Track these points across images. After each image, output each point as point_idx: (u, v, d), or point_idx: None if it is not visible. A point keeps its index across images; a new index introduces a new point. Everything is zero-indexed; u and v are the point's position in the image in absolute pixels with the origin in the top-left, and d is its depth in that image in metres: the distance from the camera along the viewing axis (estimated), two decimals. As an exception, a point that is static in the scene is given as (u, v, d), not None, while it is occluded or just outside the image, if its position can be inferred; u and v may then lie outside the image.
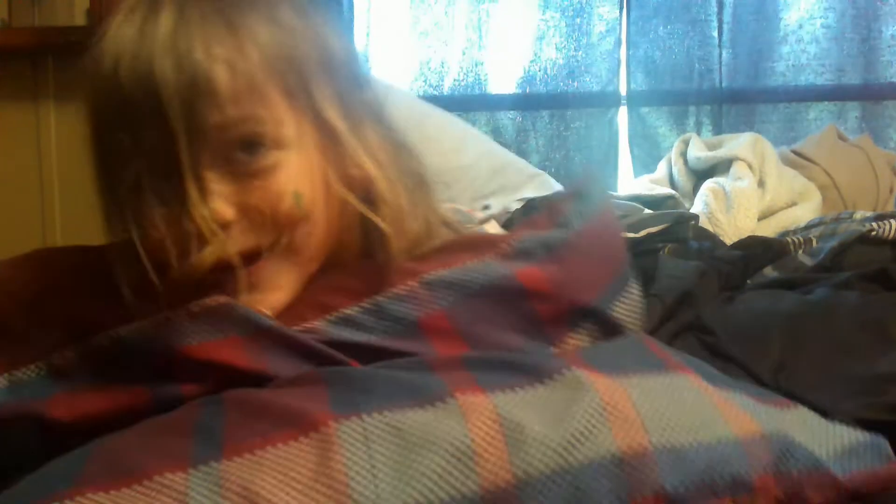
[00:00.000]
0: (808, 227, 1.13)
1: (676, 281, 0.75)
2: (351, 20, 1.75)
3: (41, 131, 1.52)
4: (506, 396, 0.44)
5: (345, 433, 0.42)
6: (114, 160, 0.55)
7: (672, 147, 1.60)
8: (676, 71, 1.81)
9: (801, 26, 1.78)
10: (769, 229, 1.30)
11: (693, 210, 1.36)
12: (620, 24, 1.81)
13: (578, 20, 1.80)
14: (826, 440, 0.47)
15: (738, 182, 1.38)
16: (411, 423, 0.42)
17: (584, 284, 0.57)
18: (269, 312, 0.54)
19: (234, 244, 0.53)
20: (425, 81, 1.79)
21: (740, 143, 1.46)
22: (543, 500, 0.40)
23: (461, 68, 1.79)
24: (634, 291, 0.61)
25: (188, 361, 0.50)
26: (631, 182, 1.71)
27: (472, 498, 0.40)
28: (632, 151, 1.83)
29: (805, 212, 1.38)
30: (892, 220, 0.95)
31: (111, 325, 0.53)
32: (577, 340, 0.56)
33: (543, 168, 1.64)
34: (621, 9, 1.81)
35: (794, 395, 0.62)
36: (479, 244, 0.58)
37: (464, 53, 1.80)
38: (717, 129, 1.79)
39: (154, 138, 0.52)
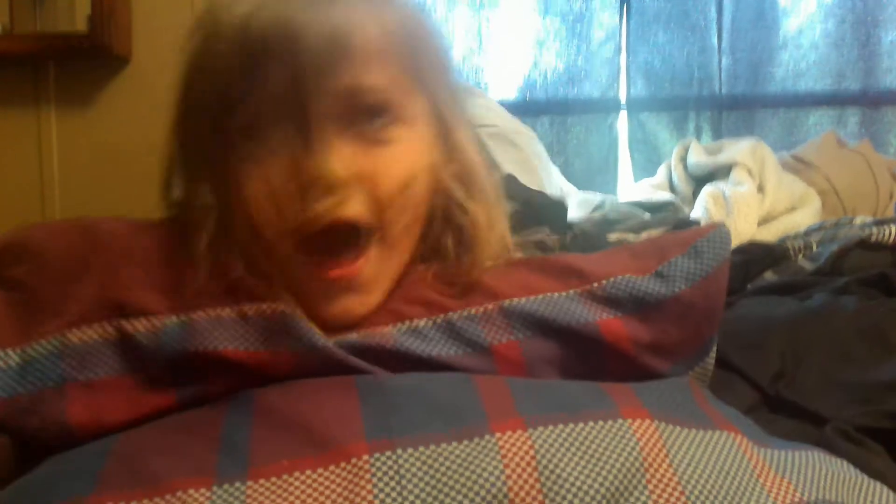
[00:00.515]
0: (809, 232, 1.13)
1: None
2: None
3: (42, 137, 1.52)
4: (546, 432, 0.42)
5: (377, 468, 0.40)
6: (223, 107, 0.52)
7: (672, 152, 1.60)
8: (676, 77, 1.81)
9: (800, 32, 1.79)
10: (769, 234, 1.30)
11: (693, 215, 1.36)
12: (620, 30, 1.81)
13: (578, 26, 1.81)
14: (865, 498, 0.45)
15: (737, 187, 1.38)
16: (446, 460, 0.40)
17: (665, 353, 0.54)
18: (360, 318, 0.52)
19: (348, 207, 0.51)
20: (426, 87, 1.79)
21: (740, 149, 1.46)
22: None
23: (461, 74, 1.80)
24: (710, 362, 0.57)
25: (228, 364, 0.48)
26: (631, 187, 1.71)
27: None
28: (632, 157, 1.83)
29: (805, 217, 1.37)
30: (892, 226, 0.95)
31: (148, 309, 0.49)
32: None
33: (543, 174, 1.64)
34: (621, 15, 1.81)
35: (795, 404, 0.62)
36: (566, 273, 0.55)
37: (464, 60, 1.80)
38: (717, 135, 1.79)
39: (280, 87, 0.50)
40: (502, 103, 1.81)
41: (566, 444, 0.42)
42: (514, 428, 0.42)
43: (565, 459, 0.41)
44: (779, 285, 0.89)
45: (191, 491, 0.39)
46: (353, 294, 0.52)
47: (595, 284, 0.54)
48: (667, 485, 0.41)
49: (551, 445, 0.42)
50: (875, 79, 1.77)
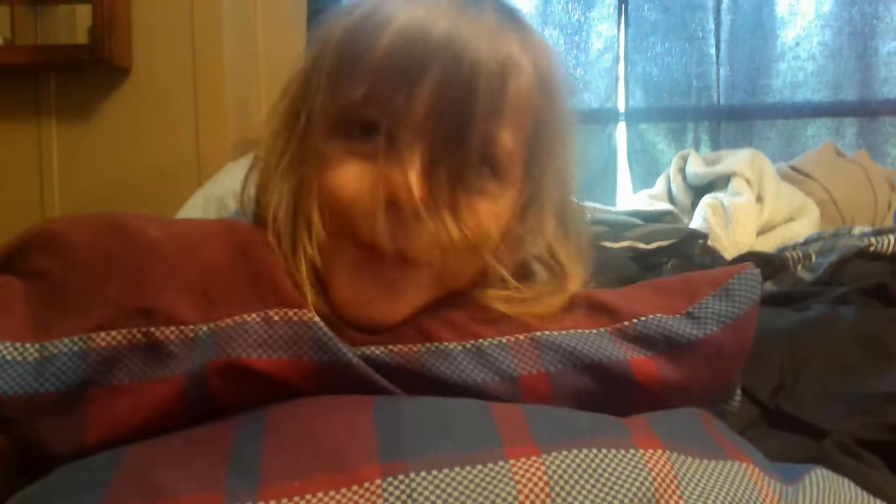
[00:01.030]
0: (807, 242, 1.13)
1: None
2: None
3: (43, 148, 1.53)
4: (560, 458, 0.42)
5: (389, 492, 0.39)
6: (343, 103, 0.51)
7: (670, 163, 1.61)
8: (674, 87, 1.81)
9: (797, 43, 1.79)
10: (768, 244, 1.31)
11: (692, 226, 1.37)
12: (618, 41, 1.82)
13: (577, 37, 1.82)
14: None
15: (736, 197, 1.38)
16: (459, 485, 0.40)
17: (692, 395, 0.53)
18: (383, 322, 0.51)
19: (415, 245, 0.50)
20: (425, 98, 1.80)
21: (738, 159, 1.47)
22: None
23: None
24: (736, 402, 0.57)
25: (249, 372, 0.47)
26: (630, 197, 1.71)
27: None
28: (630, 167, 1.84)
29: (803, 227, 1.38)
30: (890, 236, 0.96)
31: (179, 317, 0.48)
32: None
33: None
34: (619, 26, 1.82)
35: (794, 417, 0.62)
36: (596, 309, 0.54)
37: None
38: (716, 145, 1.80)
39: (421, 105, 0.49)
40: (501, 114, 1.81)
41: (579, 472, 0.42)
42: (528, 455, 0.42)
43: (577, 487, 0.41)
44: (777, 296, 0.89)
45: None
46: (386, 297, 0.51)
47: (626, 323, 0.53)
48: None
49: (564, 472, 0.41)
50: (872, 89, 1.78)
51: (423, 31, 0.50)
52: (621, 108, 1.83)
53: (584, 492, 0.41)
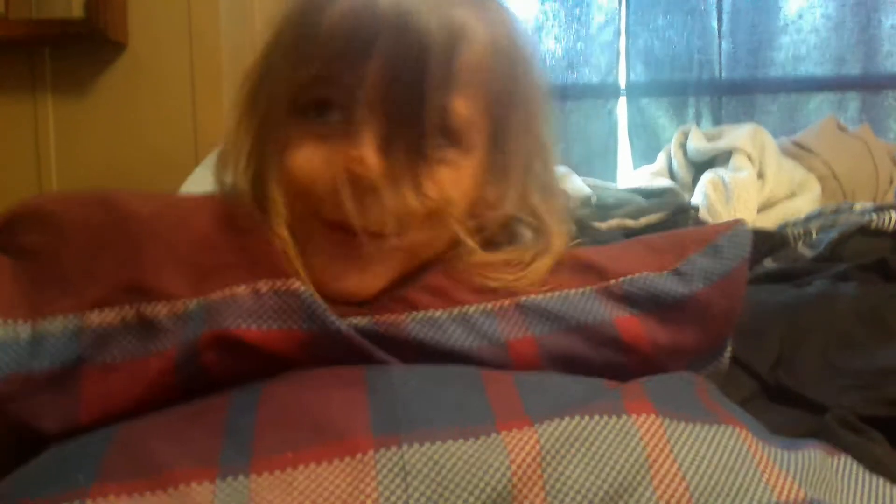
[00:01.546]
0: (808, 218, 1.13)
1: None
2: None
3: (39, 123, 1.52)
4: (552, 427, 0.42)
5: (382, 465, 0.40)
6: (307, 79, 0.51)
7: (671, 138, 1.60)
8: (676, 61, 1.80)
9: (800, 16, 1.78)
10: (769, 220, 1.30)
11: (693, 202, 1.36)
12: (619, 14, 1.80)
13: (577, 11, 1.80)
14: (870, 498, 0.45)
15: (737, 173, 1.38)
16: (452, 457, 0.40)
17: (682, 352, 0.53)
18: (357, 295, 0.52)
19: (377, 216, 0.50)
20: (424, 73, 1.78)
21: (740, 135, 1.46)
22: None
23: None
24: (725, 361, 0.57)
25: (240, 344, 0.47)
26: (630, 173, 1.71)
27: None
28: (631, 143, 1.83)
29: (805, 203, 1.37)
30: (891, 212, 0.95)
31: (170, 292, 0.48)
32: None
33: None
34: (620, -1, 1.80)
35: (793, 390, 0.62)
36: (583, 269, 0.54)
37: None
38: (717, 120, 1.78)
39: (371, 78, 0.50)
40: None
41: (570, 440, 0.42)
42: (520, 426, 0.42)
43: (569, 456, 0.41)
44: (778, 272, 0.89)
45: (193, 484, 0.39)
46: (355, 271, 0.52)
47: (613, 281, 0.53)
48: (671, 481, 0.41)
49: (556, 441, 0.42)
50: (875, 63, 1.76)
51: (370, 5, 0.50)
52: (622, 82, 1.82)
53: (576, 460, 0.41)
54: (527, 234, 0.58)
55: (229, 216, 0.52)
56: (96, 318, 0.47)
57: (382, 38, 0.49)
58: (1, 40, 1.45)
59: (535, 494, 0.39)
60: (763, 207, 1.36)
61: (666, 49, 1.80)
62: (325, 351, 0.48)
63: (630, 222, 1.17)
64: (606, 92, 1.82)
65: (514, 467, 0.40)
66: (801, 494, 0.42)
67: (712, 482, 0.41)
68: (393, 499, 0.38)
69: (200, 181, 1.18)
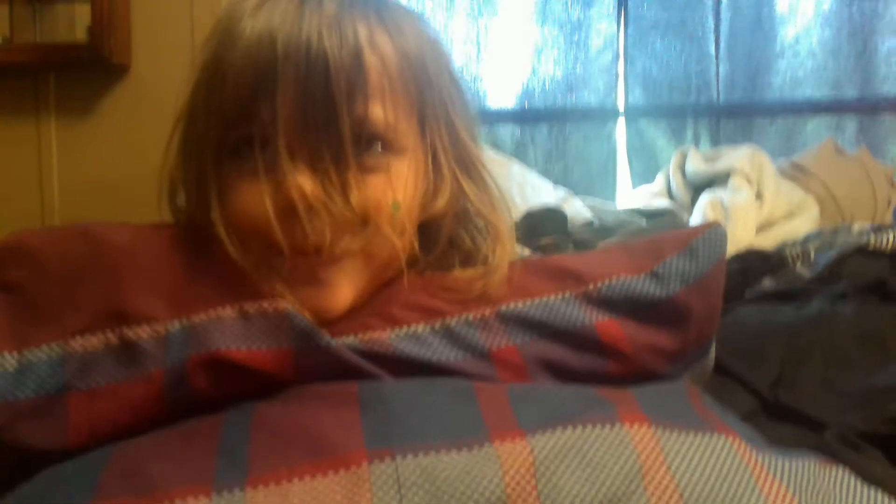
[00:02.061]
0: (807, 239, 1.13)
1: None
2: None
3: (42, 147, 1.52)
4: (545, 439, 0.42)
5: (377, 477, 0.40)
6: (227, 119, 0.53)
7: (670, 160, 1.61)
8: (674, 85, 1.81)
9: (797, 41, 1.79)
10: (767, 241, 1.30)
11: (692, 223, 1.37)
12: (618, 38, 1.82)
13: (576, 35, 1.81)
14: None
15: (735, 195, 1.38)
16: (445, 468, 0.40)
17: (663, 353, 0.54)
18: (330, 311, 0.52)
19: (317, 228, 0.51)
20: (424, 96, 1.80)
21: (738, 156, 1.46)
22: None
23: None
24: (710, 362, 0.58)
25: (229, 366, 0.47)
26: (629, 195, 1.71)
27: None
28: (630, 164, 1.83)
29: (803, 224, 1.38)
30: (889, 233, 0.96)
31: (151, 315, 0.49)
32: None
33: (542, 181, 1.65)
34: (619, 23, 1.81)
35: (793, 408, 0.62)
36: (562, 275, 0.55)
37: (462, 68, 1.80)
38: (715, 142, 1.79)
39: (284, 108, 0.51)
40: (500, 112, 1.82)
41: (564, 451, 0.42)
42: (513, 438, 0.42)
43: (563, 466, 0.41)
44: (777, 292, 0.89)
45: (190, 499, 0.39)
46: (323, 287, 0.53)
47: (591, 286, 0.54)
48: (665, 490, 0.41)
49: (550, 451, 0.42)
50: (872, 87, 1.78)
51: (269, 38, 0.51)
52: (621, 105, 1.83)
53: (570, 471, 0.41)
54: (473, 231, 0.59)
55: (206, 242, 0.53)
56: (79, 344, 0.48)
57: (287, 69, 0.51)
58: (5, 65, 1.46)
59: None
60: (761, 228, 1.36)
61: (664, 72, 1.81)
62: (315, 369, 0.48)
63: (630, 244, 1.18)
64: (605, 114, 1.83)
65: (507, 479, 0.40)
66: (796, 503, 0.42)
67: (706, 491, 0.41)
68: None
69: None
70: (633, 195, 1.65)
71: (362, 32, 0.53)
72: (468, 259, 0.58)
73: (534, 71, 1.82)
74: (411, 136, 0.56)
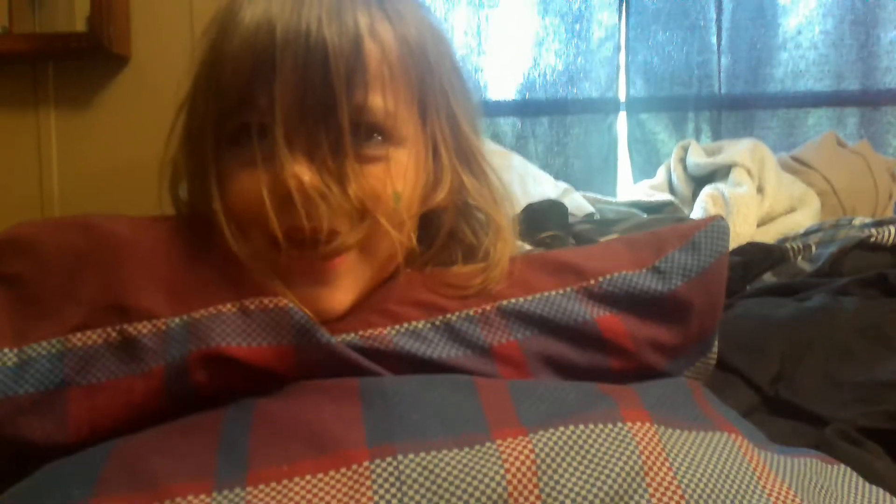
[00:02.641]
0: (808, 233, 1.13)
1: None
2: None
3: (41, 137, 1.52)
4: (546, 436, 0.42)
5: (377, 475, 0.40)
6: (226, 108, 0.53)
7: (671, 153, 1.60)
8: (675, 77, 1.81)
9: (799, 32, 1.79)
10: (768, 235, 1.30)
11: (692, 216, 1.36)
12: (619, 30, 1.81)
13: (577, 26, 1.81)
14: None
15: (737, 188, 1.38)
16: (447, 466, 0.40)
17: (665, 349, 0.54)
18: (330, 311, 0.52)
19: (313, 217, 0.51)
20: (425, 87, 1.79)
21: (739, 149, 1.46)
22: None
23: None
24: (712, 358, 0.57)
25: (229, 362, 0.47)
26: (630, 188, 1.71)
27: None
28: (631, 157, 1.83)
29: (804, 218, 1.38)
30: (891, 227, 0.95)
31: (152, 311, 0.49)
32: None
33: (543, 174, 1.65)
34: (620, 14, 1.81)
35: (794, 403, 0.62)
36: (563, 270, 0.55)
37: (464, 59, 1.80)
38: (716, 135, 1.79)
39: (284, 96, 0.51)
40: (501, 103, 1.81)
41: (566, 448, 0.42)
42: (515, 435, 0.42)
43: (564, 464, 0.41)
44: (778, 287, 0.89)
45: (190, 497, 0.39)
46: (324, 286, 0.53)
47: (592, 281, 0.54)
48: (667, 488, 0.41)
49: (551, 450, 0.42)
50: (874, 79, 1.77)
51: (268, 25, 0.51)
52: (622, 97, 1.83)
53: (571, 468, 0.41)
54: (475, 224, 0.59)
55: (208, 237, 0.53)
56: (79, 340, 0.48)
57: (286, 57, 0.51)
58: (4, 54, 1.46)
59: (531, 503, 0.39)
60: (763, 222, 1.36)
61: (665, 64, 1.81)
62: (316, 365, 0.48)
63: (630, 237, 1.18)
64: (606, 107, 1.82)
65: (508, 476, 0.40)
66: (798, 502, 0.42)
67: (708, 489, 0.41)
68: None
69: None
70: (634, 188, 1.65)
71: (362, 20, 0.52)
72: (469, 254, 0.58)
73: (535, 62, 1.81)
74: (412, 126, 0.56)
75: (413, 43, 0.55)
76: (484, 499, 0.39)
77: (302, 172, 0.50)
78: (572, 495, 0.40)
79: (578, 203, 1.43)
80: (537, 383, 0.49)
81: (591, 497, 0.40)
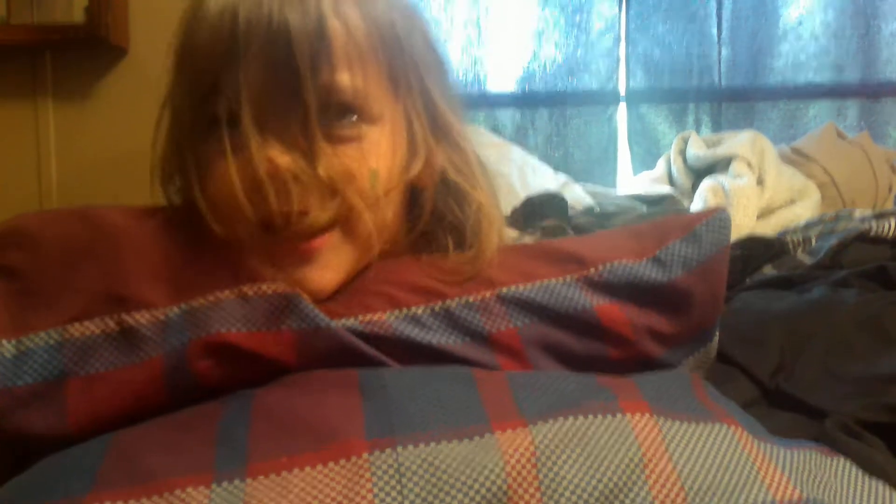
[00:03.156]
0: (808, 225, 1.13)
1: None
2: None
3: (40, 128, 1.52)
4: (546, 428, 0.42)
5: (377, 466, 0.40)
6: (201, 96, 0.53)
7: (671, 145, 1.60)
8: (675, 68, 1.80)
9: (800, 23, 1.78)
10: (768, 227, 1.30)
11: (692, 208, 1.36)
12: (619, 21, 1.81)
13: (578, 17, 1.80)
14: (864, 498, 0.45)
15: (737, 180, 1.38)
16: (446, 458, 0.40)
17: (664, 338, 0.54)
18: (319, 291, 0.52)
19: (294, 201, 0.51)
20: (424, 79, 1.78)
21: (739, 141, 1.46)
22: None
23: (460, 66, 1.79)
24: (712, 349, 0.57)
25: (228, 348, 0.47)
26: (630, 180, 1.71)
27: None
28: (631, 149, 1.83)
29: (804, 210, 1.37)
30: (891, 219, 0.95)
31: (150, 301, 0.49)
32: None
33: (542, 165, 1.64)
34: (620, 6, 1.80)
35: (794, 396, 0.62)
36: (564, 258, 0.55)
37: (463, 51, 1.79)
38: (717, 127, 1.79)
39: (254, 79, 0.51)
40: (501, 95, 1.81)
41: (566, 440, 0.42)
42: (514, 426, 0.42)
43: (563, 456, 0.41)
44: (778, 279, 0.89)
45: (189, 489, 0.39)
46: (308, 267, 0.53)
47: (592, 270, 0.54)
48: (666, 480, 0.41)
49: (551, 441, 0.42)
50: (875, 70, 1.77)
51: (231, 12, 0.51)
52: (622, 89, 1.82)
53: (571, 460, 0.41)
54: (461, 201, 0.59)
55: (202, 227, 0.52)
56: (77, 330, 0.48)
57: (249, 41, 0.51)
58: (2, 45, 1.45)
59: (531, 495, 0.39)
60: (763, 214, 1.36)
61: (666, 56, 1.80)
62: (316, 352, 0.48)
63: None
64: (606, 98, 1.82)
65: (508, 468, 0.40)
66: (798, 494, 0.42)
67: (707, 481, 0.41)
68: (388, 500, 0.38)
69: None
70: (634, 181, 1.64)
71: (326, 1, 0.52)
72: (460, 239, 0.58)
73: (534, 54, 1.81)
74: (386, 104, 0.56)
75: (381, 20, 0.55)
76: (483, 491, 0.39)
77: (274, 156, 0.50)
78: (572, 487, 0.40)
79: (578, 195, 1.43)
80: (537, 375, 0.49)
81: (590, 488, 0.40)
